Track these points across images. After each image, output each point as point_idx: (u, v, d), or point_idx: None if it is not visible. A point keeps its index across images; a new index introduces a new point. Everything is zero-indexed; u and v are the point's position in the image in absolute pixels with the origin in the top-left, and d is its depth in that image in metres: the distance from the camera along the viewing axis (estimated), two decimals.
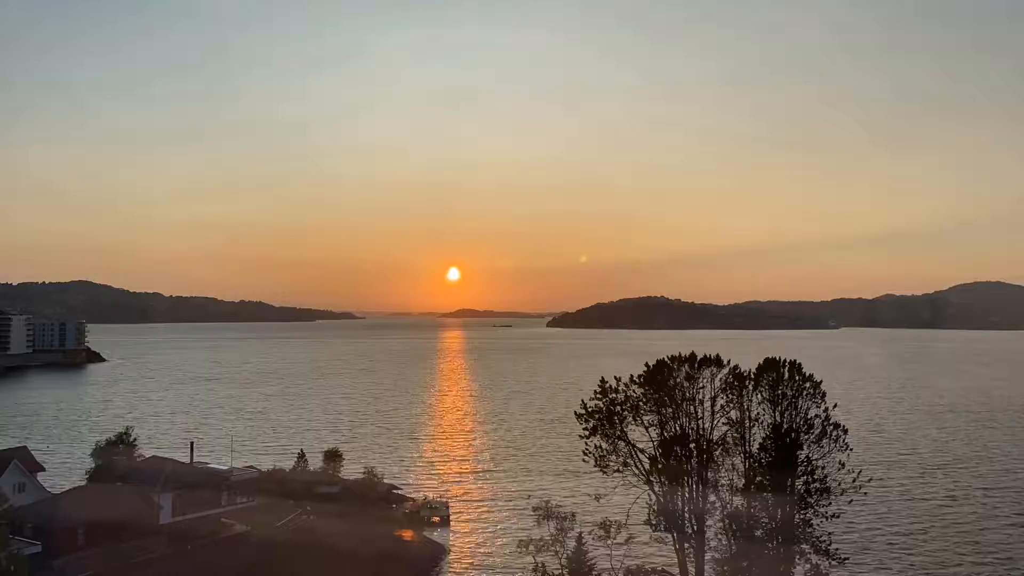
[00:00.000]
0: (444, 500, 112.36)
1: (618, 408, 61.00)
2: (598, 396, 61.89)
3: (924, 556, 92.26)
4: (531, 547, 62.36)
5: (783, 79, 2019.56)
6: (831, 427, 56.65)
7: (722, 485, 59.36)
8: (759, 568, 56.46)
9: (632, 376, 61.99)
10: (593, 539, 61.78)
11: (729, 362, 61.13)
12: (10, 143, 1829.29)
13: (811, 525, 56.08)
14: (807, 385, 58.04)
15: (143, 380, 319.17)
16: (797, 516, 56.57)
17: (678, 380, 60.76)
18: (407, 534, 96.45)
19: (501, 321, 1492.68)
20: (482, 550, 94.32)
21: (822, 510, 56.05)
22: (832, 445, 56.23)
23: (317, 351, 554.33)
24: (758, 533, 57.70)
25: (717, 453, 59.82)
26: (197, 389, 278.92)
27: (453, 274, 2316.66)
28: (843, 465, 55.84)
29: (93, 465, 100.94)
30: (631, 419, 61.04)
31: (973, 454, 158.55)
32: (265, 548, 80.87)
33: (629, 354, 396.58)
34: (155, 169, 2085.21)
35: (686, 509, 59.69)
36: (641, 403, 60.90)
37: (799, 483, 56.88)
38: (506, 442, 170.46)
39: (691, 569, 59.35)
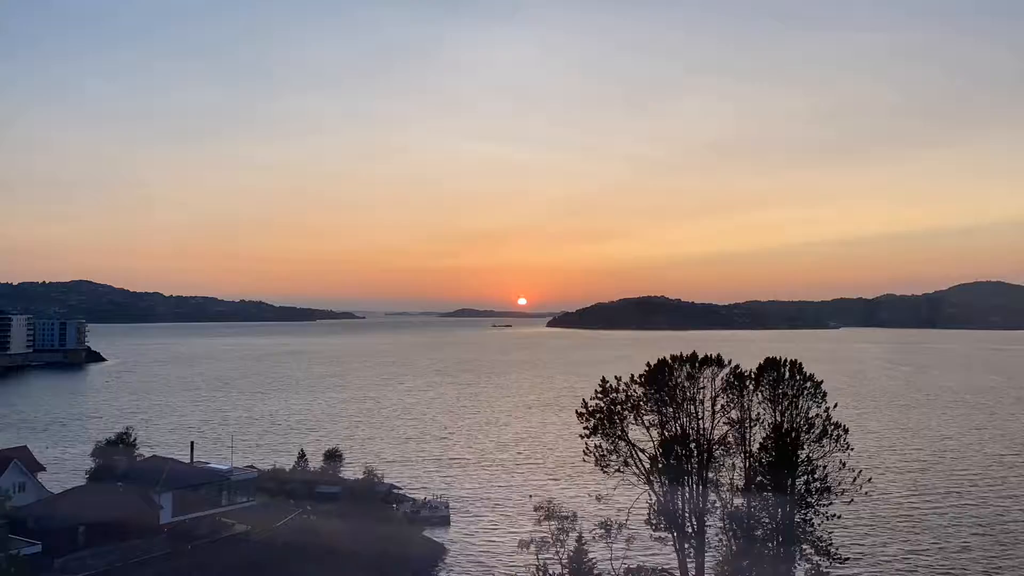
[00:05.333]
0: (444, 500, 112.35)
1: (619, 408, 60.99)
2: (599, 395, 61.88)
3: (925, 556, 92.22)
4: (531, 547, 62.36)
5: (783, 81, 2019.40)
6: (832, 426, 56.63)
7: (722, 485, 59.36)
8: (759, 568, 56.41)
9: (633, 376, 61.97)
10: (593, 539, 61.77)
11: (730, 362, 61.13)
12: (10, 143, 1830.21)
13: (812, 525, 56.03)
14: (808, 385, 58.06)
15: (143, 380, 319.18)
16: (797, 516, 56.53)
17: (679, 380, 60.76)
18: (407, 534, 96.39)
19: (501, 321, 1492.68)
20: (482, 550, 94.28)
21: (823, 510, 56.02)
22: (833, 445, 56.18)
23: (318, 350, 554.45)
24: (758, 533, 57.67)
25: (718, 453, 59.83)
26: (197, 388, 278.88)
27: (454, 274, 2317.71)
28: (844, 465, 55.80)
29: (93, 465, 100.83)
30: (632, 419, 61.02)
31: (975, 453, 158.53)
32: (265, 548, 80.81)
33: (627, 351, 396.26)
34: (156, 168, 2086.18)
35: (686, 509, 59.66)
36: (642, 403, 60.88)
37: (799, 483, 56.85)
38: (506, 442, 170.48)
39: (691, 569, 59.32)
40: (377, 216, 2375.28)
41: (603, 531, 59.53)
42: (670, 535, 59.47)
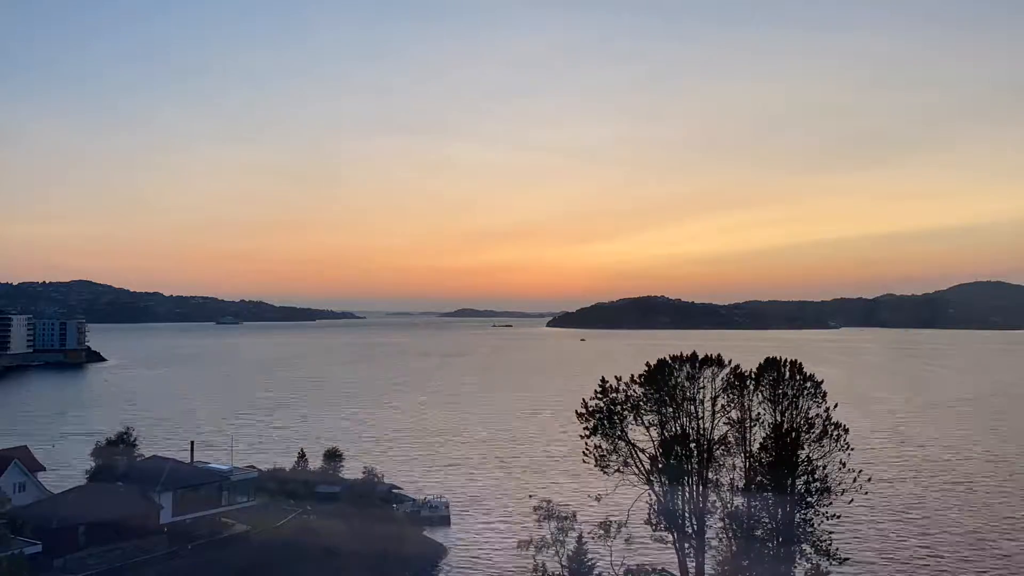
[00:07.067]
0: (444, 500, 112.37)
1: (618, 408, 60.99)
2: (598, 395, 61.87)
3: (925, 556, 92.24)
4: (531, 547, 62.36)
5: (783, 81, 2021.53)
6: (832, 426, 56.61)
7: (722, 485, 59.35)
8: (759, 568, 56.41)
9: (633, 376, 61.97)
10: (593, 539, 61.78)
11: (730, 362, 61.11)
12: (11, 143, 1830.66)
13: (812, 525, 56.03)
14: (808, 384, 58.03)
15: (143, 380, 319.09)
16: (798, 516, 56.52)
17: (679, 380, 60.76)
18: (407, 534, 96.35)
19: (501, 320, 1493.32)
20: (482, 550, 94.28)
21: (823, 510, 56.02)
22: (833, 445, 56.18)
23: (319, 350, 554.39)
24: (758, 533, 57.66)
25: (718, 453, 59.81)
26: (197, 387, 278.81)
27: (455, 274, 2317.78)
28: (844, 465, 55.78)
29: (93, 465, 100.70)
30: (631, 419, 61.02)
31: (975, 453, 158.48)
32: (265, 548, 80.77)
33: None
34: (156, 168, 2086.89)
35: (686, 509, 59.66)
36: (642, 403, 60.88)
37: (799, 483, 56.83)
38: (506, 442, 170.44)
39: (691, 569, 59.31)
40: (377, 216, 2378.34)
41: (603, 531, 59.52)
42: (670, 535, 59.47)
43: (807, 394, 57.86)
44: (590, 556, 63.57)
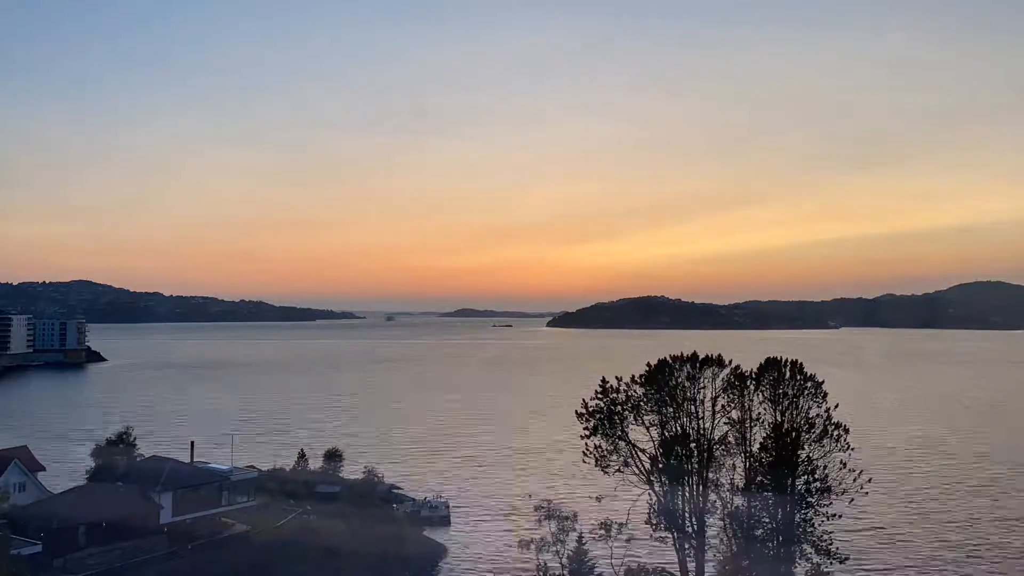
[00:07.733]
0: (444, 500, 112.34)
1: (619, 408, 60.97)
2: (599, 396, 61.86)
3: (925, 556, 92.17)
4: (531, 547, 62.37)
5: (782, 82, 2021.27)
6: (832, 426, 56.61)
7: (722, 485, 59.35)
8: (759, 568, 56.42)
9: (633, 376, 61.95)
10: (593, 539, 61.77)
11: (731, 362, 61.10)
12: (11, 142, 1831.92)
13: (812, 525, 56.04)
14: (808, 384, 58.03)
15: (143, 380, 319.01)
16: (798, 516, 56.52)
17: (679, 380, 60.74)
18: (407, 534, 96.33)
19: (501, 321, 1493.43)
20: (482, 550, 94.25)
21: (823, 510, 56.01)
22: (833, 445, 56.22)
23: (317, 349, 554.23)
24: (759, 533, 57.69)
25: (718, 453, 59.80)
26: (197, 388, 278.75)
27: (454, 273, 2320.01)
28: (844, 465, 55.79)
29: (93, 465, 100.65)
30: (632, 419, 61.00)
31: (975, 453, 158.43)
32: (265, 548, 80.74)
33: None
34: (156, 168, 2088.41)
35: (686, 509, 59.66)
36: (642, 403, 60.89)
37: (800, 483, 56.83)
38: (506, 442, 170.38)
39: (691, 569, 59.32)
40: (377, 216, 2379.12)
41: (603, 531, 59.53)
42: (670, 535, 59.48)
43: (807, 394, 57.89)
44: (590, 556, 63.56)
